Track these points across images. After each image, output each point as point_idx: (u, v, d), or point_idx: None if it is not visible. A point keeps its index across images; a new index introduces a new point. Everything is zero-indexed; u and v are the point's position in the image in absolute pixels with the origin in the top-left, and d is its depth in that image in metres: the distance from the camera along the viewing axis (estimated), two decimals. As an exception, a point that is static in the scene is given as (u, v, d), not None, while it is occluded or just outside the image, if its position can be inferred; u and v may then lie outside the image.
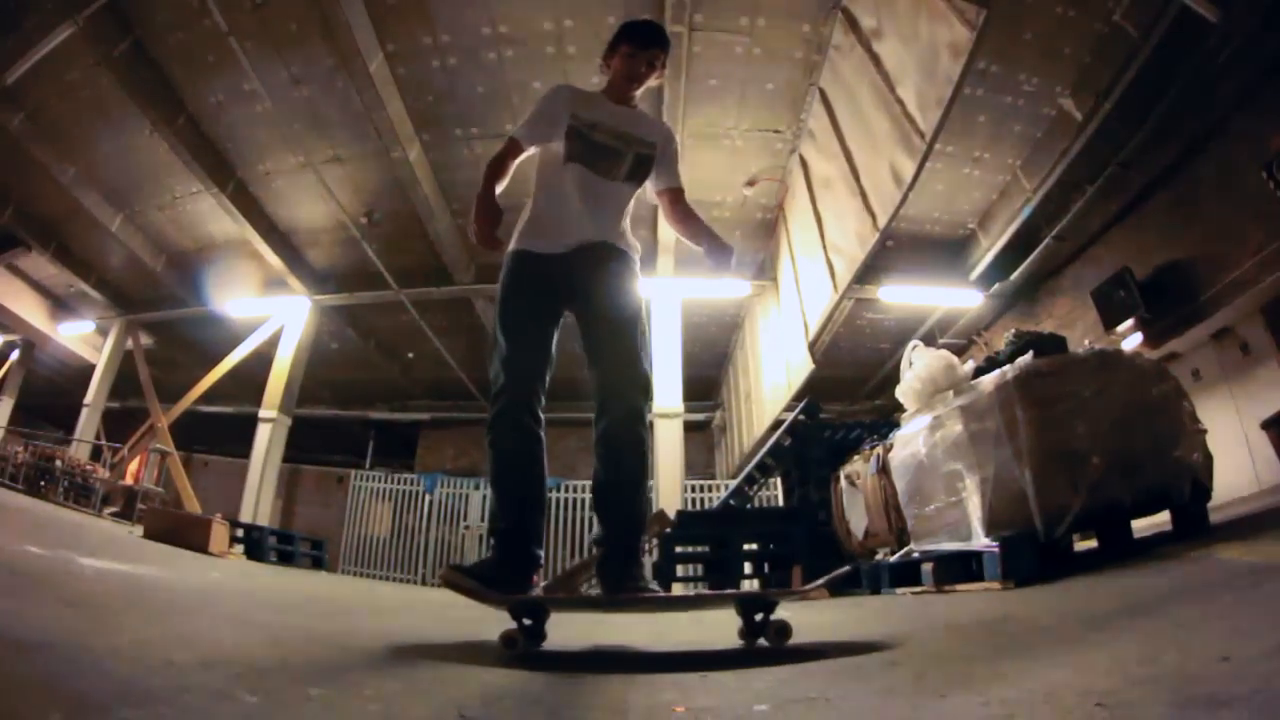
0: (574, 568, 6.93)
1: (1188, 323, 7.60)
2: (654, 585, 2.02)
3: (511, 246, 2.27)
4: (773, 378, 10.04)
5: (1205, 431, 3.48)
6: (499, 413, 2.08)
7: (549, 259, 2.20)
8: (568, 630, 2.28)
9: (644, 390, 2.13)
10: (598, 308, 2.18)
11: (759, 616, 1.88)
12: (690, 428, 11.08)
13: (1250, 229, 6.80)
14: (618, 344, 2.13)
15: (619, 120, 2.35)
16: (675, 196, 2.45)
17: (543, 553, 2.10)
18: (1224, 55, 6.31)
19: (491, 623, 1.86)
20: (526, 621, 1.78)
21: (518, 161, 2.33)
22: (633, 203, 2.39)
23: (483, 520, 12.62)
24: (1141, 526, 3.46)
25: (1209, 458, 3.41)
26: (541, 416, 2.12)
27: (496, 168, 2.28)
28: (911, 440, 4.15)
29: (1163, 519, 3.45)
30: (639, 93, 2.46)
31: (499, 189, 2.26)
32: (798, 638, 1.84)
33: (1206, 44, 6.23)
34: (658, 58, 2.44)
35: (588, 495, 12.07)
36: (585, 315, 2.21)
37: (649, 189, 2.43)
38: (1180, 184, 7.69)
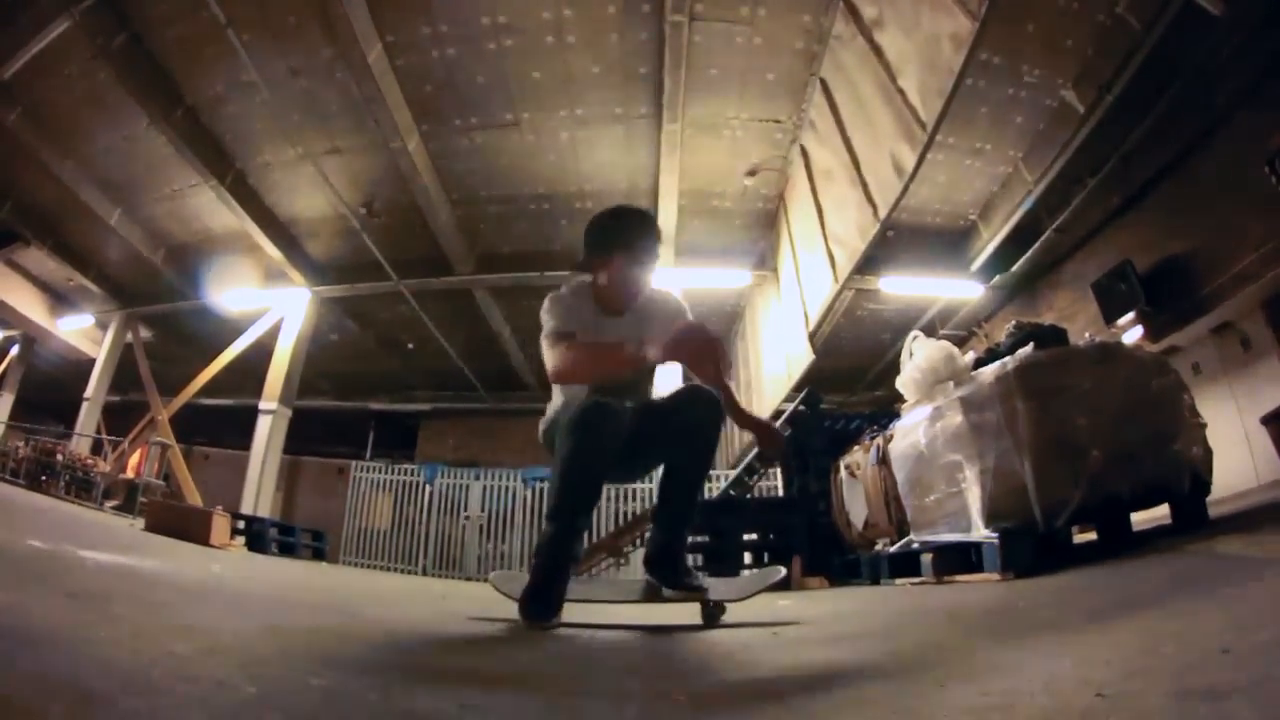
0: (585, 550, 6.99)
1: (1188, 317, 7.58)
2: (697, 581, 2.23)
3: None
4: (773, 368, 10.04)
5: (1205, 425, 3.48)
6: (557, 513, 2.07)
7: None
8: (569, 617, 2.29)
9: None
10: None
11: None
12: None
13: (1252, 224, 6.78)
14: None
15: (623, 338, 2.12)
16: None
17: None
18: (1227, 50, 6.27)
19: (492, 615, 1.86)
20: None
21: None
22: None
23: (482, 510, 12.71)
24: (1141, 520, 3.46)
25: (1209, 452, 3.40)
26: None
27: (584, 365, 2.12)
28: (911, 431, 4.16)
29: (1162, 512, 3.45)
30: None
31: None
32: (798, 628, 1.84)
33: (1210, 38, 6.19)
34: (654, 261, 2.22)
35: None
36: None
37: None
38: (1182, 178, 7.65)
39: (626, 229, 2.14)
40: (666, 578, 2.24)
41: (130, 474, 11.82)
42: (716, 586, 2.35)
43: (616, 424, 1.99)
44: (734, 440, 12.53)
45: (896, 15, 5.84)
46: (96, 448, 12.44)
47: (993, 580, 3.16)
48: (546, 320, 2.17)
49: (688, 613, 2.33)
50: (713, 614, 2.27)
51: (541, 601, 1.95)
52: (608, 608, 2.60)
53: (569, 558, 2.03)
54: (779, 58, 7.37)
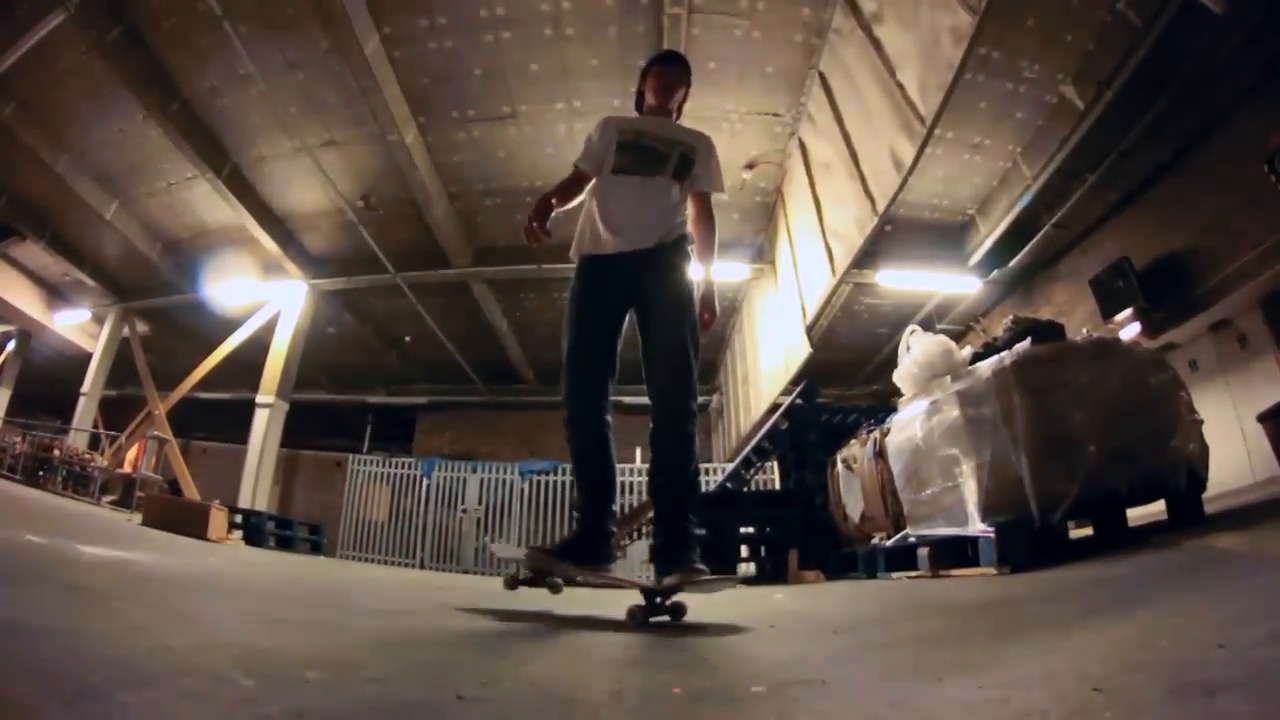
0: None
1: (1186, 314, 7.59)
2: (702, 567, 2.11)
3: (575, 254, 2.52)
4: (770, 361, 10.05)
5: (1202, 422, 3.48)
6: (569, 416, 2.34)
7: (609, 260, 2.41)
8: (568, 613, 2.30)
9: (687, 411, 2.27)
10: (650, 318, 2.37)
11: (658, 599, 2.08)
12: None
13: (1250, 222, 6.78)
14: (668, 363, 2.29)
15: (662, 127, 2.60)
16: (705, 201, 2.62)
17: (614, 525, 2.37)
18: (1228, 48, 6.26)
19: (488, 608, 1.87)
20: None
21: (585, 189, 2.58)
22: (686, 201, 2.56)
23: (480, 503, 12.72)
24: (1137, 515, 3.47)
25: (1205, 448, 3.42)
26: (608, 415, 2.36)
27: (562, 190, 2.57)
28: (908, 425, 4.16)
29: (1158, 508, 3.47)
30: (676, 104, 2.68)
31: (562, 208, 2.56)
32: (796, 622, 1.84)
33: (1210, 36, 6.17)
34: (684, 73, 2.68)
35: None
36: (642, 320, 2.41)
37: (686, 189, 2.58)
38: (1181, 175, 7.65)
39: (657, 56, 2.79)
40: (665, 562, 2.13)
41: (128, 468, 11.79)
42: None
43: (594, 412, 2.33)
44: (731, 435, 12.55)
45: (896, 9, 5.82)
46: (94, 442, 12.41)
47: (989, 574, 3.17)
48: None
49: (695, 608, 2.30)
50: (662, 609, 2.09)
51: (577, 548, 2.26)
52: (607, 605, 2.60)
53: (600, 507, 2.32)
54: (778, 51, 7.35)
